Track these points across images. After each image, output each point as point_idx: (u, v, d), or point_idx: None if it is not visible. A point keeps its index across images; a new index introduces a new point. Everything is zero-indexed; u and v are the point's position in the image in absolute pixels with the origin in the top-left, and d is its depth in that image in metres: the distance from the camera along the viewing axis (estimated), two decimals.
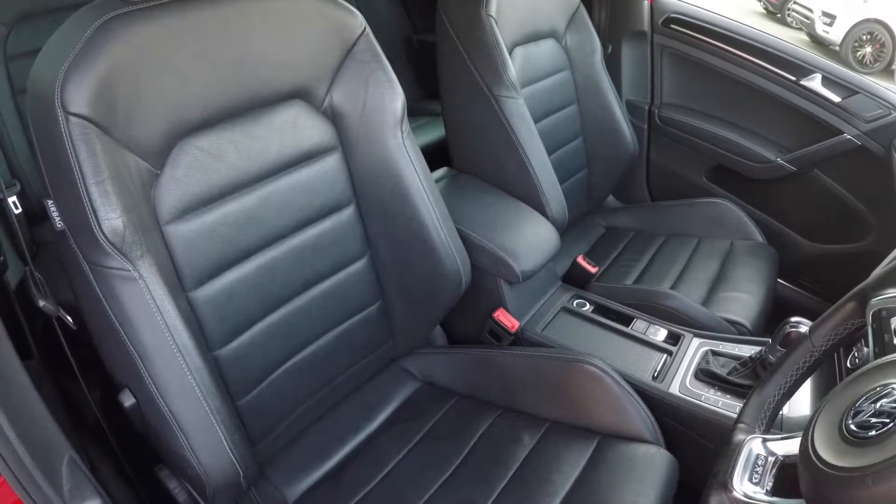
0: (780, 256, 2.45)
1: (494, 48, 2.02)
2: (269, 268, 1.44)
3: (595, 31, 2.57)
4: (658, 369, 1.81)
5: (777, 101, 2.55)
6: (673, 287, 2.20)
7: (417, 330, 1.80)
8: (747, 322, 2.03)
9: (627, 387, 1.62)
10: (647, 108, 2.82)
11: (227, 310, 1.38)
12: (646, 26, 2.75)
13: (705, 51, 2.66)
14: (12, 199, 2.06)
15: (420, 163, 1.58)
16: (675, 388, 1.73)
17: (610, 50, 2.72)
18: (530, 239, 1.99)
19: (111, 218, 1.11)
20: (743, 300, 2.13)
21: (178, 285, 1.30)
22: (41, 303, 1.27)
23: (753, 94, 2.60)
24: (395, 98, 1.54)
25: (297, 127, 1.46)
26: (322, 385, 1.65)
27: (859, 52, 9.06)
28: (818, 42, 9.44)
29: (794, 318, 1.51)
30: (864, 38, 9.01)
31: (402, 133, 1.55)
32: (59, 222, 1.15)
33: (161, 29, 1.20)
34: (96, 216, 1.10)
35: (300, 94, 1.47)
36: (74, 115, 1.08)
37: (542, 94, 2.32)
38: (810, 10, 9.52)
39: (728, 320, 2.02)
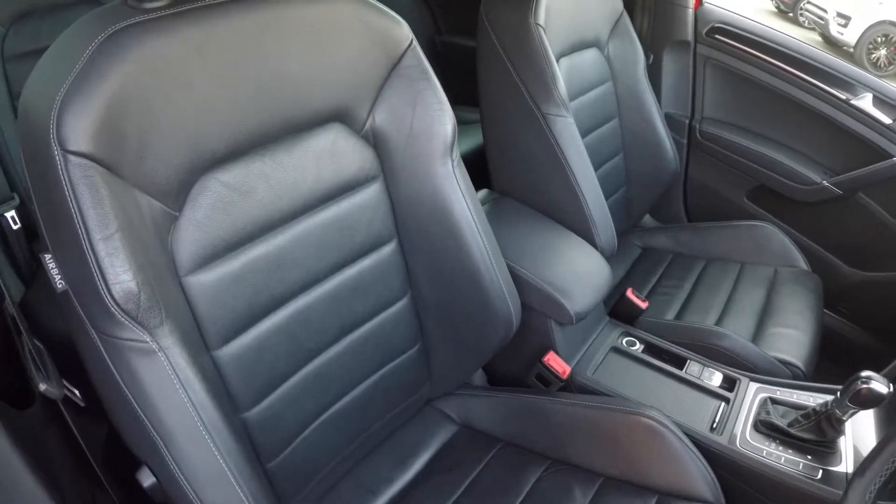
0: (823, 283, 2.23)
1: (543, 61, 1.76)
2: (302, 316, 1.20)
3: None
4: (716, 420, 1.59)
5: (824, 120, 2.30)
6: (719, 320, 1.99)
7: (458, 373, 1.56)
8: (801, 363, 1.82)
9: (688, 442, 1.40)
10: (687, 122, 2.56)
11: (257, 368, 1.14)
12: (689, 36, 2.49)
13: (751, 64, 2.41)
14: (10, 214, 1.83)
15: (470, 193, 1.34)
16: (735, 442, 1.51)
17: (651, 60, 2.45)
18: (583, 274, 1.74)
19: (123, 281, 0.88)
20: (794, 337, 1.91)
21: (202, 344, 1.07)
22: (42, 386, 1.03)
23: (800, 111, 2.36)
24: (446, 121, 1.30)
25: (335, 154, 1.21)
26: (355, 436, 1.41)
27: (874, 55, 8.71)
28: (832, 43, 9.10)
29: (864, 374, 1.31)
30: (880, 40, 8.63)
31: (453, 161, 1.31)
32: (59, 282, 0.92)
33: (180, 43, 0.96)
34: (104, 279, 0.87)
35: (339, 117, 1.22)
36: (75, 153, 0.85)
37: (585, 109, 2.07)
38: (824, 11, 9.14)
39: (781, 360, 1.81)
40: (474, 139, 2.44)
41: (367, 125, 1.27)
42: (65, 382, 1.10)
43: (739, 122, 2.51)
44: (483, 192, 2.00)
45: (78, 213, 0.85)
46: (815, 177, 2.34)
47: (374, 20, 1.22)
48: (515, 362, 1.76)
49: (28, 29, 2.01)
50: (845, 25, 8.82)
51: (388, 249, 1.34)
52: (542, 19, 1.78)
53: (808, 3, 9.55)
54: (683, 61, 2.54)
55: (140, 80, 0.91)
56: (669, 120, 2.52)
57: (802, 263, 2.27)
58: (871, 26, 8.61)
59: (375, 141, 1.28)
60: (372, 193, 1.28)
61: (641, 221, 2.66)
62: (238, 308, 1.09)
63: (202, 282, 1.05)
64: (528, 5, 1.78)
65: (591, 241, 1.86)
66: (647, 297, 2.09)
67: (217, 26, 1.01)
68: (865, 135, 2.23)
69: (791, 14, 10.72)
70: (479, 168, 1.95)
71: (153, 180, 0.96)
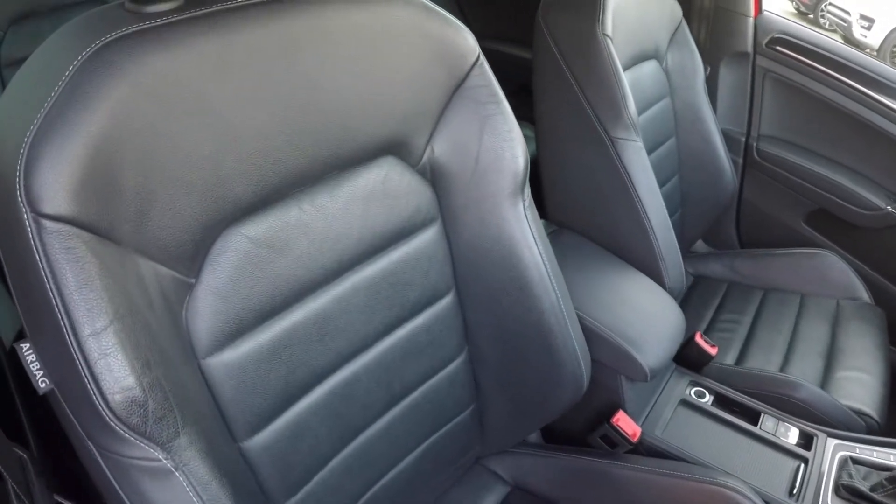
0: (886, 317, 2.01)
1: (613, 77, 1.52)
2: (347, 390, 0.97)
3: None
4: (796, 484, 1.37)
5: (891, 140, 2.06)
6: (785, 362, 1.77)
7: (515, 433, 1.33)
8: (874, 412, 1.61)
9: None
10: (743, 140, 2.31)
11: (293, 456, 0.91)
12: (749, 47, 2.23)
13: (814, 78, 2.15)
14: None
15: (542, 238, 1.11)
16: None
17: (708, 72, 2.20)
18: (656, 323, 1.50)
19: (124, 388, 0.65)
20: (865, 382, 1.70)
21: (226, 437, 0.84)
22: None
23: (865, 131, 2.10)
24: (518, 153, 1.06)
25: (387, 195, 0.98)
26: None
27: None
28: (854, 46, 8.76)
29: None
30: None
31: (524, 201, 1.07)
32: (41, 381, 0.68)
33: (195, 58, 0.72)
34: (99, 388, 0.64)
35: (392, 149, 0.98)
36: (50, 217, 0.62)
37: (646, 129, 1.82)
38: (847, 13, 8.71)
39: (855, 410, 1.60)
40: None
41: (425, 158, 1.03)
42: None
43: (799, 140, 2.26)
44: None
45: (58, 300, 0.62)
46: (879, 201, 2.09)
47: (436, 29, 0.98)
48: (577, 419, 1.53)
49: (27, 31, 1.82)
50: (869, 28, 8.39)
51: (445, 303, 1.10)
52: (609, 29, 1.53)
53: (830, 4, 9.18)
54: (741, 74, 2.28)
55: (139, 109, 0.68)
56: (724, 137, 2.27)
57: (865, 295, 2.05)
58: (895, 29, 8.25)
59: (433, 177, 1.05)
60: (429, 239, 1.05)
61: (693, 247, 2.41)
62: (271, 390, 0.87)
63: (226, 363, 0.81)
64: (594, 12, 1.53)
65: (659, 280, 1.63)
66: (706, 333, 1.86)
67: (241, 37, 0.76)
68: None
69: (811, 15, 10.31)
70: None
71: (161, 242, 0.73)
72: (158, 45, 0.69)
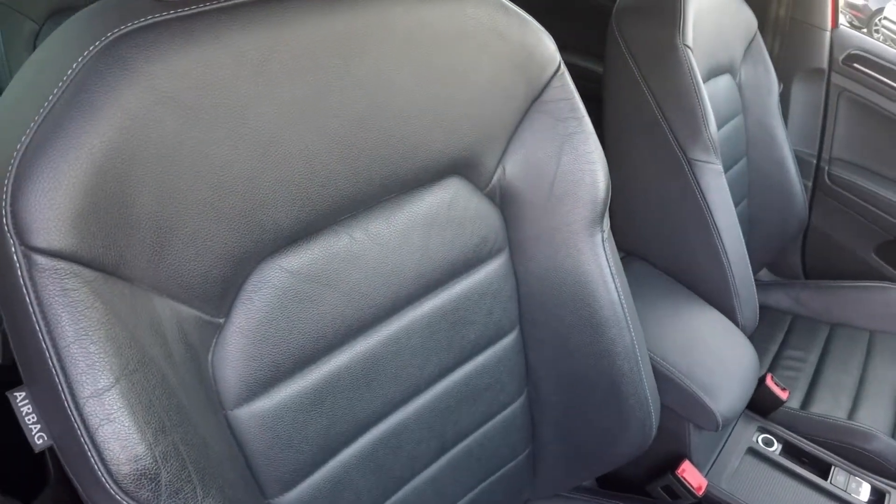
0: None
1: (693, 93, 1.35)
2: (393, 441, 0.83)
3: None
4: None
5: None
6: (854, 407, 1.58)
7: (571, 480, 1.17)
8: None
9: None
10: (814, 162, 2.12)
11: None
12: (824, 63, 2.05)
13: (893, 99, 1.97)
14: None
15: (620, 277, 0.95)
16: None
17: (781, 89, 2.02)
18: (730, 367, 1.33)
19: (132, 458, 0.52)
20: None
21: (256, 493, 0.69)
22: None
23: None
24: (599, 178, 0.91)
25: (451, 221, 0.83)
26: None
27: None
28: None
29: None
30: None
31: (603, 233, 0.92)
32: (38, 436, 0.54)
33: (229, 57, 0.58)
34: (101, 458, 0.51)
35: (460, 168, 0.83)
36: (43, 252, 0.49)
37: (719, 149, 1.64)
38: None
39: None
40: None
41: (495, 179, 0.88)
42: None
43: (874, 165, 2.06)
44: None
45: (52, 353, 0.49)
46: None
47: (515, 32, 0.83)
48: (637, 466, 1.36)
49: None
50: None
51: (507, 342, 0.95)
52: (689, 39, 1.37)
53: (885, 18, 8.83)
54: (815, 92, 2.09)
55: (157, 118, 0.54)
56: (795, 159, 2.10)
57: None
58: None
59: (503, 202, 0.90)
60: (494, 273, 0.90)
61: (757, 275, 2.22)
62: (309, 444, 0.73)
63: (259, 414, 0.68)
64: (674, 20, 1.37)
65: (732, 316, 1.46)
66: (771, 371, 1.69)
67: (288, 33, 0.62)
68: None
69: (865, 29, 9.97)
70: None
71: (183, 278, 0.59)
72: (185, 39, 0.55)
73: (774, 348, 1.82)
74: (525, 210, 0.90)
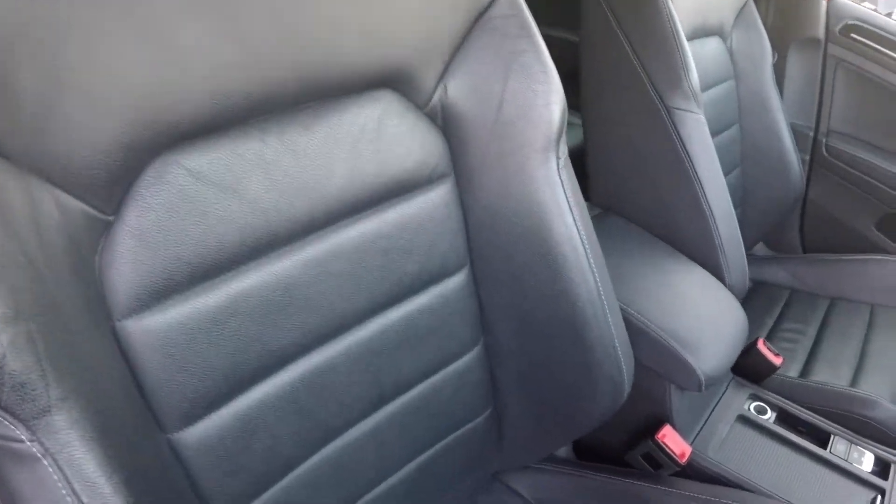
0: None
1: (672, 40, 1.24)
2: (319, 381, 0.73)
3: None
4: None
5: None
6: (855, 377, 1.48)
7: (540, 447, 1.07)
8: None
9: None
10: (811, 135, 2.02)
11: (244, 458, 0.68)
12: (820, 33, 1.94)
13: (891, 69, 1.86)
14: None
15: (580, 210, 0.86)
16: None
17: (776, 59, 1.92)
18: (715, 324, 1.22)
19: None
20: None
21: (149, 422, 0.61)
22: None
23: None
24: (552, 99, 0.82)
25: (382, 138, 0.74)
26: None
27: None
28: None
29: None
30: None
31: (558, 160, 0.82)
32: None
33: None
34: None
35: (393, 81, 0.75)
36: None
37: (707, 110, 1.51)
38: None
39: None
40: (572, 138, 1.95)
41: (436, 98, 0.80)
42: None
43: (873, 137, 1.95)
44: None
45: None
46: None
47: None
48: (615, 433, 1.26)
49: None
50: None
51: (456, 282, 0.86)
52: None
53: None
54: (811, 63, 1.99)
55: None
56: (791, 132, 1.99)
57: None
58: None
59: (446, 124, 0.81)
60: (437, 200, 0.81)
61: (753, 249, 2.12)
62: (210, 371, 0.63)
63: (149, 329, 0.59)
64: None
65: (719, 276, 1.35)
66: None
67: None
68: None
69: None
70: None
71: (65, 166, 0.51)
72: None
73: (771, 321, 1.73)
74: (471, 134, 0.81)
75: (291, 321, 0.68)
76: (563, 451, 1.24)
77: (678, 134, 1.26)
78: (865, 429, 1.32)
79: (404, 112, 0.76)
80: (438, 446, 0.92)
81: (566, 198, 0.83)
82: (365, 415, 0.80)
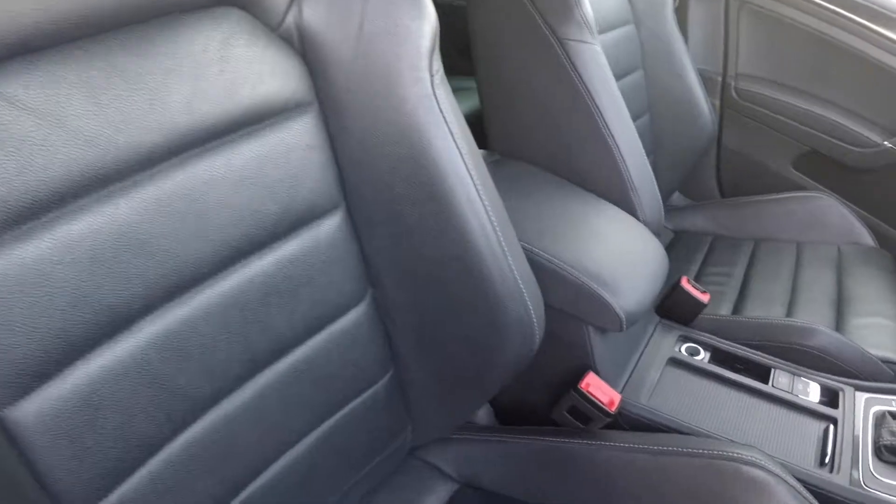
0: None
1: None
2: (171, 343, 0.62)
3: None
4: (828, 451, 1.05)
5: (884, 71, 1.74)
6: (790, 312, 1.45)
7: (453, 412, 0.98)
8: None
9: (806, 494, 0.89)
10: (720, 80, 1.98)
11: (88, 438, 0.57)
12: None
13: (796, 7, 1.82)
14: None
15: (464, 135, 0.78)
16: (860, 482, 0.99)
17: (677, 3, 1.87)
18: (631, 259, 1.15)
19: None
20: (887, 328, 1.39)
21: None
22: None
23: (854, 62, 1.79)
24: (420, 13, 0.73)
25: (228, 61, 0.64)
26: None
27: None
28: None
29: None
30: None
31: (432, 78, 0.73)
32: None
33: None
34: None
35: None
36: None
37: (606, 54, 1.45)
38: None
39: (882, 359, 1.28)
40: (470, 103, 1.87)
41: (290, 19, 0.71)
42: None
43: (782, 78, 1.92)
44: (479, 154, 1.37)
45: None
46: (875, 137, 1.79)
47: None
48: (537, 390, 1.17)
49: None
50: None
51: (330, 225, 0.76)
52: None
53: None
54: (713, 6, 1.95)
55: None
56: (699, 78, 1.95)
57: (869, 239, 1.77)
58: None
59: (304, 46, 0.72)
60: (299, 130, 0.71)
61: (670, 199, 2.07)
62: (41, 330, 0.53)
63: None
64: None
65: (632, 212, 1.27)
66: None
67: None
68: None
69: None
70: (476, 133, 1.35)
71: None
72: None
73: (695, 267, 1.68)
74: (332, 56, 0.72)
75: (131, 271, 0.57)
76: (485, 419, 1.15)
77: (574, 67, 1.19)
78: (807, 359, 1.28)
79: (254, 33, 0.67)
80: (334, 419, 0.82)
81: (444, 119, 0.74)
82: (238, 384, 0.69)
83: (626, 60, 1.62)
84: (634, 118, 1.56)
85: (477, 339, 0.84)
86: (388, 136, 0.73)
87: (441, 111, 0.74)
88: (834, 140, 1.84)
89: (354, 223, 0.78)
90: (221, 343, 0.66)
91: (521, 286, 0.82)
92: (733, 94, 1.96)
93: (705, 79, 1.92)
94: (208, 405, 0.67)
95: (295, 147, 0.70)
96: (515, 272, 0.81)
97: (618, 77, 1.49)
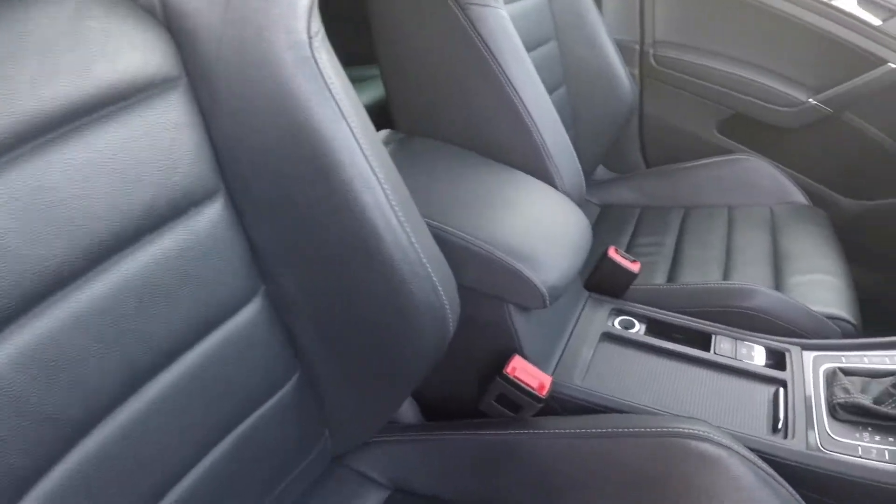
0: None
1: None
2: (38, 357, 0.53)
3: None
4: (780, 415, 1.02)
5: (802, 28, 1.75)
6: (726, 275, 1.42)
7: (371, 411, 0.90)
8: (849, 315, 1.30)
9: (761, 464, 0.85)
10: (637, 48, 1.94)
11: None
12: None
13: None
14: None
15: (350, 100, 0.70)
16: (817, 445, 0.96)
17: None
18: (551, 231, 1.08)
19: None
20: (828, 284, 1.38)
21: None
22: None
23: (772, 21, 1.78)
24: None
25: (80, 35, 0.57)
26: None
27: None
28: None
29: None
30: None
31: (311, 40, 0.66)
32: None
33: None
34: None
35: None
36: None
37: (515, 24, 1.40)
38: None
39: (826, 315, 1.27)
40: (375, 92, 1.80)
41: None
42: None
43: (701, 42, 1.91)
44: (382, 133, 1.29)
45: None
46: (799, 96, 1.79)
47: None
48: (462, 382, 1.11)
49: None
50: None
51: (210, 214, 0.67)
52: None
53: None
54: None
55: None
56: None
57: (801, 197, 1.76)
58: None
59: (168, 17, 0.65)
60: (165, 108, 0.63)
61: (594, 174, 2.03)
62: None
63: None
64: None
65: (550, 182, 1.21)
66: None
67: None
68: (852, 40, 1.71)
69: None
70: (382, 122, 1.27)
71: None
72: None
73: (625, 239, 1.65)
74: (200, 23, 0.64)
75: None
76: (411, 417, 1.08)
77: (478, 33, 1.12)
78: (749, 322, 1.24)
79: (110, 4, 0.59)
80: (242, 429, 0.74)
81: (327, 85, 0.66)
82: (117, 402, 0.61)
83: (538, 31, 1.56)
84: (550, 91, 1.51)
85: (384, 329, 0.77)
86: (265, 108, 0.65)
87: (323, 76, 0.66)
88: (758, 101, 1.83)
89: (238, 210, 0.70)
90: (93, 357, 0.58)
91: (428, 266, 0.75)
92: (652, 62, 1.93)
93: (622, 48, 1.88)
94: (85, 430, 0.59)
95: (163, 127, 0.62)
96: (419, 251, 0.74)
97: (529, 48, 1.43)
